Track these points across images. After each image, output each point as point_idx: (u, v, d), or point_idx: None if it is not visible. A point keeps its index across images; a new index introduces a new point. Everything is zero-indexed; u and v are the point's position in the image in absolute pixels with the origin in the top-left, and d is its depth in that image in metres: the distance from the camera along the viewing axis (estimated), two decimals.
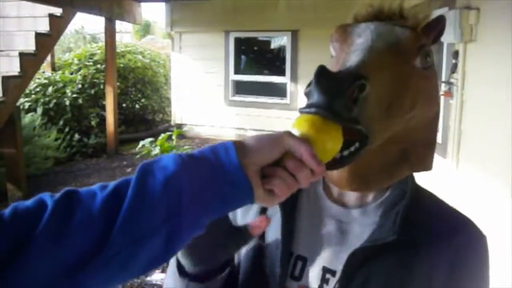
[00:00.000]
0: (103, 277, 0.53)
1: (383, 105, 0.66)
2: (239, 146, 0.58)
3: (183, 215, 0.54)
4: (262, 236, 0.81)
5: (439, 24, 0.77)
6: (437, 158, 3.53)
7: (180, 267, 0.74)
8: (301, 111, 0.63)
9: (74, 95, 7.51)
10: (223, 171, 0.56)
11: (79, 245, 0.51)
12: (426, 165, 0.80)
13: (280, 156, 0.59)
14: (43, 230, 0.50)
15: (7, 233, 0.50)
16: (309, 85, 0.64)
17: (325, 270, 0.76)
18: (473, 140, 3.09)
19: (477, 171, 2.97)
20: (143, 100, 9.15)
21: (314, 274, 0.76)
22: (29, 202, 0.54)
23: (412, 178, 0.80)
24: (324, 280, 0.75)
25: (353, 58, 0.68)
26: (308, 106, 0.61)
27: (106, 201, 0.53)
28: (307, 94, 0.64)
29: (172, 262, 0.76)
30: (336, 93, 0.60)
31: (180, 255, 0.71)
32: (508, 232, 2.38)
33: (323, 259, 0.76)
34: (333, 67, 0.73)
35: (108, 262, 0.52)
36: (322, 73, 0.61)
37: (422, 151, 0.79)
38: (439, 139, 3.61)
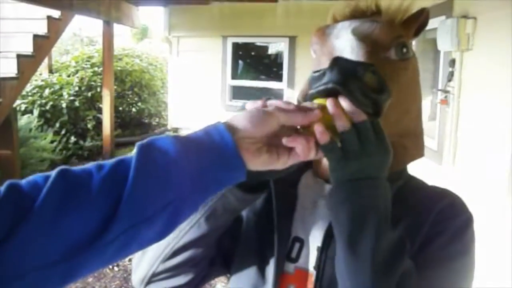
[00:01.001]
0: (101, 260, 0.52)
1: None
2: (230, 126, 0.61)
3: (184, 199, 0.56)
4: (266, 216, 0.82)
5: (420, 16, 0.78)
6: (432, 165, 3.52)
7: None
8: (318, 90, 0.67)
9: (71, 98, 7.49)
10: (219, 153, 0.58)
11: (78, 227, 0.50)
12: (416, 154, 0.82)
13: (275, 130, 0.62)
14: (41, 207, 0.49)
15: (4, 209, 0.48)
16: (316, 72, 0.70)
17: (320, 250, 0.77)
18: (469, 147, 3.11)
19: (472, 178, 2.98)
20: (139, 103, 9.14)
21: (310, 255, 0.78)
22: (23, 181, 0.52)
23: (405, 167, 0.83)
24: (320, 260, 0.76)
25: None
26: (325, 83, 0.66)
27: (106, 182, 0.52)
28: (317, 78, 0.69)
29: None
30: (352, 75, 0.67)
31: None
32: (506, 237, 2.39)
33: (319, 239, 0.77)
34: (314, 68, 0.75)
35: (109, 244, 0.51)
36: (340, 58, 0.69)
37: (409, 142, 0.80)
38: (435, 146, 3.62)
